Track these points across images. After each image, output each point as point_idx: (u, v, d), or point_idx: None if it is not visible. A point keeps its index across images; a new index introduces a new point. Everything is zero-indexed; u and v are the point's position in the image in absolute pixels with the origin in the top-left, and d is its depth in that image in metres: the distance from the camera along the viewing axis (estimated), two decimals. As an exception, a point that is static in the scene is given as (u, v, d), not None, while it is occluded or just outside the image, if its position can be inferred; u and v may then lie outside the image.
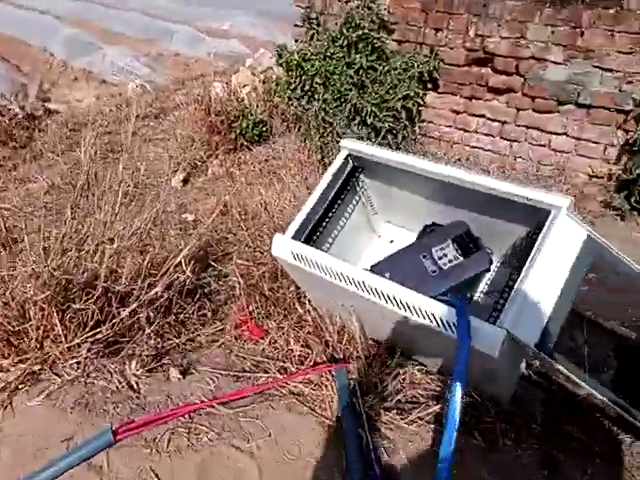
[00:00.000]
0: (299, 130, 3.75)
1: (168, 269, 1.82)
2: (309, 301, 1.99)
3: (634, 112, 2.98)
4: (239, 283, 2.04)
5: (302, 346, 1.82)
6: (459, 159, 3.53)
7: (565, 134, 3.23)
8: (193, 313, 2.01)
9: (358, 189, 2.09)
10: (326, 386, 1.66)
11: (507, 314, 1.43)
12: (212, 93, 4.22)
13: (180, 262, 1.90)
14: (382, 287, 1.58)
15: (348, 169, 2.00)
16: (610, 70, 3.03)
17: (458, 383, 1.33)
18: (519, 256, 1.86)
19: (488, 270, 1.90)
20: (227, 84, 4.49)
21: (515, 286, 1.47)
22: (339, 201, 1.99)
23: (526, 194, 1.60)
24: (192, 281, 2.15)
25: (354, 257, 2.24)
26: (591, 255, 1.56)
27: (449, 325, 1.47)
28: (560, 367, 1.45)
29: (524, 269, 1.49)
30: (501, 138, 3.45)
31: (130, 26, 11.72)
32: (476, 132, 3.51)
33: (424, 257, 1.92)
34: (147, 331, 1.74)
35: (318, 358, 1.78)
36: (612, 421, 1.75)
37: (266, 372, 1.73)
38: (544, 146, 3.31)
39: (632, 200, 2.93)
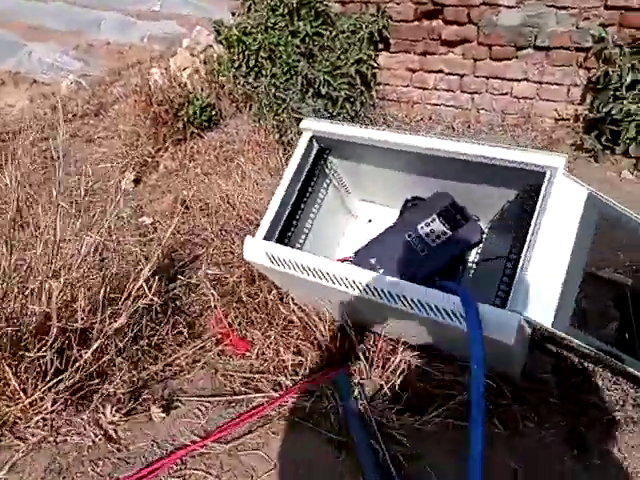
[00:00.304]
0: (250, 110, 3.45)
1: (130, 292, 1.57)
2: (292, 300, 1.78)
3: (594, 49, 2.82)
4: (212, 294, 1.81)
5: (294, 353, 1.63)
6: (421, 119, 3.33)
7: (526, 80, 3.05)
8: (167, 333, 1.78)
9: (328, 171, 1.86)
10: (327, 396, 1.48)
11: (517, 295, 1.26)
12: (151, 81, 3.85)
13: (145, 281, 1.66)
14: (373, 282, 1.38)
15: (314, 152, 1.77)
16: (565, 8, 2.84)
17: (478, 385, 1.15)
18: (510, 223, 1.70)
19: (480, 241, 1.73)
20: (166, 69, 4.11)
21: (520, 262, 1.29)
22: (310, 189, 1.76)
23: (517, 157, 1.42)
24: (160, 297, 1.92)
25: (333, 244, 2.04)
26: (595, 214, 1.40)
27: (455, 315, 1.30)
28: (579, 342, 1.30)
29: (527, 241, 1.32)
30: (461, 92, 3.24)
31: (55, 19, 10.85)
32: (435, 89, 3.30)
33: (410, 236, 1.73)
34: (119, 364, 1.51)
35: (313, 364, 1.59)
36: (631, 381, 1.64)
37: (259, 391, 1.53)
38: (506, 94, 3.13)
39: (603, 139, 2.80)
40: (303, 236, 1.82)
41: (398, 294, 1.34)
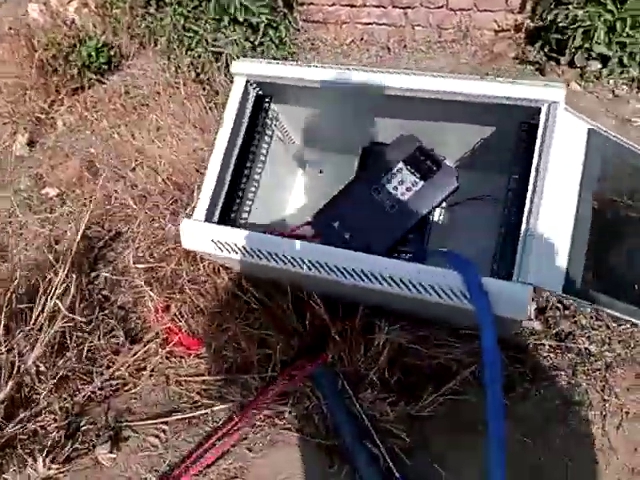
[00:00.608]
0: (157, 46, 2.92)
1: (44, 305, 1.21)
2: (246, 280, 1.50)
3: (531, -53, 2.54)
4: (144, 286, 1.47)
5: (258, 345, 1.37)
6: (352, 41, 2.95)
7: (462, -12, 2.75)
8: (99, 339, 1.45)
9: (269, 122, 1.52)
10: (308, 395, 1.25)
11: (525, 262, 1.04)
12: (29, 20, 3.16)
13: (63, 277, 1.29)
14: (354, 263, 1.12)
15: (251, 101, 1.41)
16: None
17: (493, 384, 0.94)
18: (491, 165, 1.47)
19: (457, 189, 1.48)
20: (45, 4, 3.39)
21: (524, 222, 1.07)
22: (252, 148, 1.42)
23: (507, 92, 1.15)
24: (82, 295, 1.57)
25: (284, 205, 1.74)
26: (598, 153, 1.18)
27: (456, 295, 1.07)
28: (594, 306, 1.13)
29: (530, 195, 1.08)
30: (393, 7, 2.87)
31: None
32: (365, 5, 2.91)
33: (375, 191, 1.45)
34: (43, 394, 1.18)
35: (283, 356, 1.34)
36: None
37: (224, 400, 1.27)
38: (442, 7, 2.80)
39: (547, 50, 2.58)
40: (249, 203, 1.50)
41: (387, 275, 1.09)
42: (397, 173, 1.45)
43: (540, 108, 1.12)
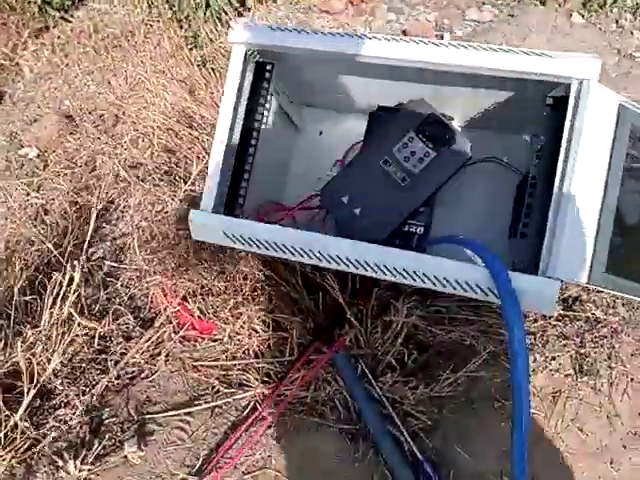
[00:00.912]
0: (124, -26, 2.64)
1: (55, 298, 1.16)
2: (256, 258, 1.46)
3: None
4: (148, 263, 1.42)
5: (273, 329, 1.36)
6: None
7: None
8: (108, 325, 1.42)
9: (270, 91, 1.40)
10: (328, 381, 1.27)
11: (555, 257, 1.02)
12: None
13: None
14: (380, 258, 1.08)
15: (251, 70, 1.29)
16: None
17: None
18: (503, 126, 1.40)
19: (470, 159, 1.43)
20: None
21: (553, 214, 1.03)
22: (255, 124, 1.32)
23: (534, 68, 1.07)
24: (84, 273, 1.51)
25: (284, 170, 1.65)
26: (627, 130, 1.13)
27: (481, 290, 1.06)
28: (617, 293, 1.14)
29: (556, 186, 1.04)
30: None
31: None
32: None
33: (386, 163, 1.38)
34: (62, 392, 1.17)
35: (300, 339, 1.34)
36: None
37: (246, 386, 1.28)
38: None
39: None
40: (252, 179, 1.42)
41: (412, 271, 1.06)
42: (408, 143, 1.38)
43: (569, 84, 1.05)
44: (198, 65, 2.01)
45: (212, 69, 2.16)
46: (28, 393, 1.06)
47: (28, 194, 2.03)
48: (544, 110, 1.15)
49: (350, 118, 1.56)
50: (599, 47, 2.24)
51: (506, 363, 1.33)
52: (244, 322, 1.35)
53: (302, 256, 1.14)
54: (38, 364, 1.10)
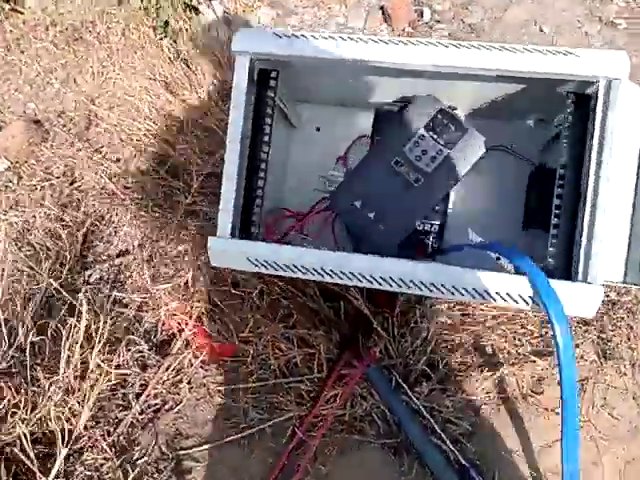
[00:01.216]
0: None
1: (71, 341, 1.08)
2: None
3: None
4: (153, 290, 1.34)
5: (299, 346, 1.32)
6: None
7: None
8: (122, 354, 1.34)
9: (275, 99, 1.31)
10: (363, 396, 1.25)
11: (592, 259, 1.00)
12: None
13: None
14: (425, 275, 1.04)
15: (255, 79, 1.20)
16: None
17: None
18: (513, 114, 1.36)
19: (483, 155, 1.38)
20: None
21: (588, 215, 1.01)
22: (262, 136, 1.24)
23: (558, 68, 1.02)
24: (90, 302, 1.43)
25: (284, 172, 1.58)
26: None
27: (523, 300, 1.04)
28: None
29: (591, 183, 1.02)
30: None
31: None
32: None
33: (397, 164, 1.33)
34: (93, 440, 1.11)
35: (328, 353, 1.31)
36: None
37: (280, 410, 1.24)
38: None
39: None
40: (259, 192, 1.34)
41: (451, 285, 1.03)
42: (419, 141, 1.33)
43: (595, 82, 1.01)
44: (171, 59, 1.88)
45: (186, 61, 2.03)
46: (59, 453, 1.00)
47: (5, 212, 1.90)
48: (560, 101, 1.11)
49: (349, 112, 1.49)
50: (581, 15, 2.20)
51: (529, 358, 1.33)
52: (267, 341, 1.31)
53: (332, 277, 1.09)
54: (67, 420, 1.03)
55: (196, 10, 2.22)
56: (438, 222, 1.42)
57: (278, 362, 1.29)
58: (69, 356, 1.12)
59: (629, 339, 1.41)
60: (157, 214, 1.53)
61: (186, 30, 2.18)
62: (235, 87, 1.15)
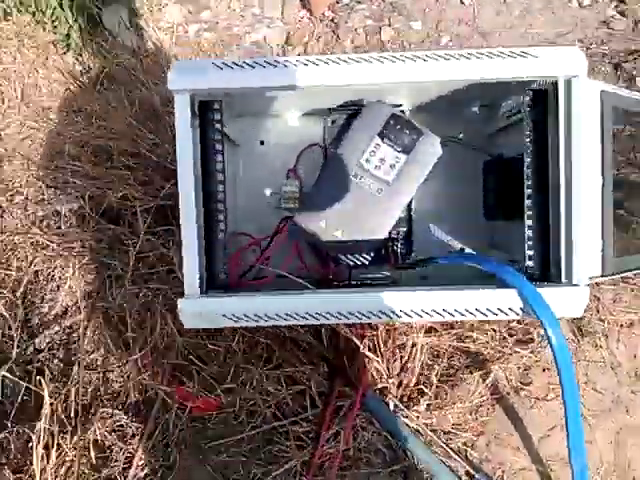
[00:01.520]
0: None
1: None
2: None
3: None
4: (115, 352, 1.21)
5: (287, 385, 1.25)
6: None
7: None
8: (95, 432, 1.21)
9: (222, 127, 1.19)
10: (364, 427, 1.21)
11: (574, 260, 1.00)
12: None
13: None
14: (411, 304, 1.00)
15: (198, 114, 1.09)
16: None
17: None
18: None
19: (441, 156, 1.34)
20: None
21: (565, 216, 1.00)
22: (218, 174, 1.13)
23: (515, 73, 0.99)
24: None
25: (234, 196, 1.48)
26: (611, 117, 1.11)
27: (514, 312, 1.02)
28: (626, 274, 1.15)
29: (563, 188, 1.00)
30: None
31: None
32: None
33: (356, 176, 1.28)
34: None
35: (319, 386, 1.25)
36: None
37: (281, 459, 1.18)
38: None
39: None
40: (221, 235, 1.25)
41: (440, 307, 1.00)
42: (375, 150, 1.27)
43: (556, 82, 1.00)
44: (79, 77, 1.70)
45: (95, 78, 1.83)
46: None
47: None
48: (505, 87, 1.10)
49: (291, 121, 1.41)
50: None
51: (513, 349, 1.35)
52: (252, 387, 1.24)
53: (318, 319, 1.03)
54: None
55: (98, 18, 2.00)
56: (404, 228, 1.39)
57: (268, 406, 1.22)
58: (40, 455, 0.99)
59: (598, 311, 1.46)
60: (105, 264, 1.39)
61: (90, 41, 1.98)
62: (178, 129, 1.03)
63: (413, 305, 0.99)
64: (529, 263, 1.10)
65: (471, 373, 1.28)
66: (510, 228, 1.20)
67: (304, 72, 1.00)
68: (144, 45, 1.99)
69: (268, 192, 1.42)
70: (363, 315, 1.00)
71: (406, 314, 0.99)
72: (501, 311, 1.01)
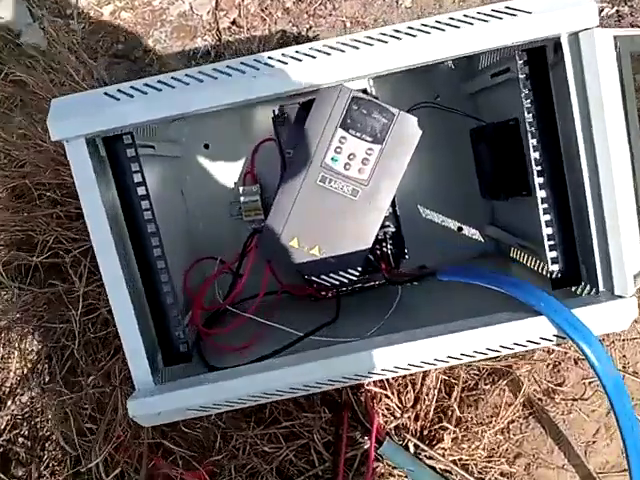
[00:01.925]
0: None
1: None
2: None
3: None
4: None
5: (287, 440, 1.06)
6: None
7: None
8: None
9: (138, 154, 0.93)
10: (385, 475, 1.03)
11: (621, 273, 0.78)
12: None
13: None
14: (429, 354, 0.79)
15: (102, 157, 0.83)
16: None
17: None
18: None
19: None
20: None
21: (593, 211, 0.76)
22: (145, 213, 0.88)
23: (519, 36, 0.73)
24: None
25: (184, 216, 1.22)
26: (628, 59, 0.86)
27: (547, 340, 0.82)
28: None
29: (586, 177, 0.77)
30: None
31: None
32: None
33: (325, 181, 1.03)
34: None
35: (324, 436, 1.06)
36: None
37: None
38: None
39: None
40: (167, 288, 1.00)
41: (469, 350, 0.79)
42: (341, 145, 1.02)
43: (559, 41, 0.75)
44: None
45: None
46: None
47: None
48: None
49: (232, 116, 1.16)
50: None
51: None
52: (247, 451, 1.05)
53: (314, 388, 0.83)
54: None
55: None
56: (391, 228, 1.15)
57: (270, 469, 1.04)
58: None
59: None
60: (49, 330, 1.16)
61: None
62: (80, 188, 0.78)
63: (426, 356, 0.79)
64: (553, 267, 0.88)
65: (494, 382, 1.10)
66: (514, 205, 1.01)
67: (236, 84, 0.74)
68: (53, 43, 1.65)
69: (227, 203, 1.20)
70: (373, 374, 0.79)
71: (427, 363, 0.78)
72: (531, 342, 0.81)
